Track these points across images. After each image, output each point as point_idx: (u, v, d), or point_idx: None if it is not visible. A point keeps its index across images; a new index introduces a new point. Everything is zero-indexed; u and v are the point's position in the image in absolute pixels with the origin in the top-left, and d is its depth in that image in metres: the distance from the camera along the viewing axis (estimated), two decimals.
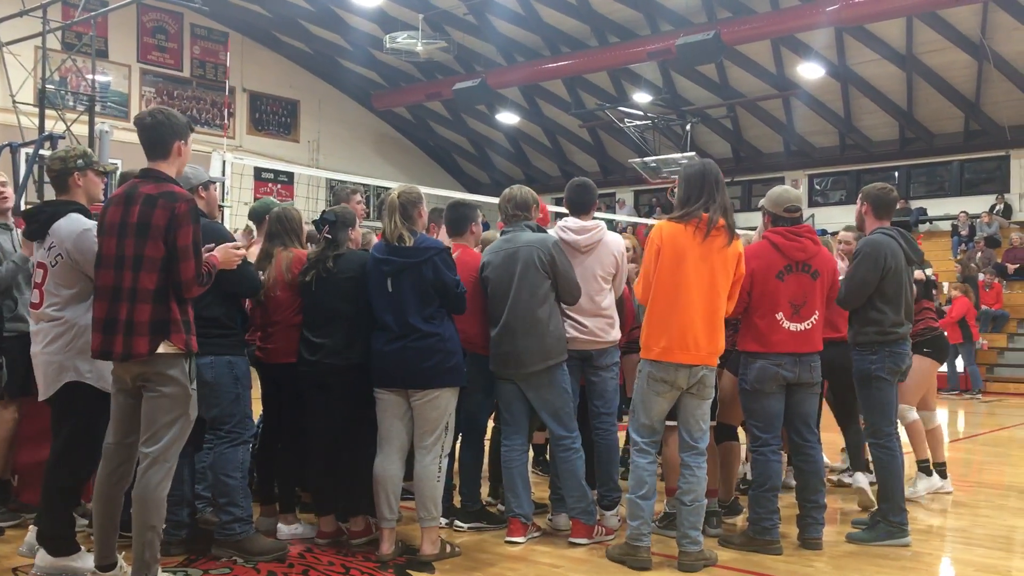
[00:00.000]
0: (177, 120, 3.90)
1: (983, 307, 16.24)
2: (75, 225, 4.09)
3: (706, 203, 4.45)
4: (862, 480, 5.73)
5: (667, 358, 4.42)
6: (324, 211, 4.86)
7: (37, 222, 4.25)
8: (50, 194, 4.75)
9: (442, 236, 5.58)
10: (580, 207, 5.19)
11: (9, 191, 5.19)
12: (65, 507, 4.11)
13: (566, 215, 5.25)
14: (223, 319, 4.45)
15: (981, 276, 16.77)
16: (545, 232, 5.07)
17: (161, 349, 3.68)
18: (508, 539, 4.90)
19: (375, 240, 5.02)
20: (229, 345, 4.47)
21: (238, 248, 4.17)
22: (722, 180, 4.57)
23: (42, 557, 4.08)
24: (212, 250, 4.04)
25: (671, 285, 4.44)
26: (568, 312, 5.04)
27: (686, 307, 4.40)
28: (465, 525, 5.21)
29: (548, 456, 5.67)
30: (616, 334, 5.15)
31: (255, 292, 4.67)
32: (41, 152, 9.58)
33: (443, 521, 4.96)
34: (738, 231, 4.61)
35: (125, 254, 3.71)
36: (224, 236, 4.45)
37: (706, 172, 4.53)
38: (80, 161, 4.28)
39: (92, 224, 4.11)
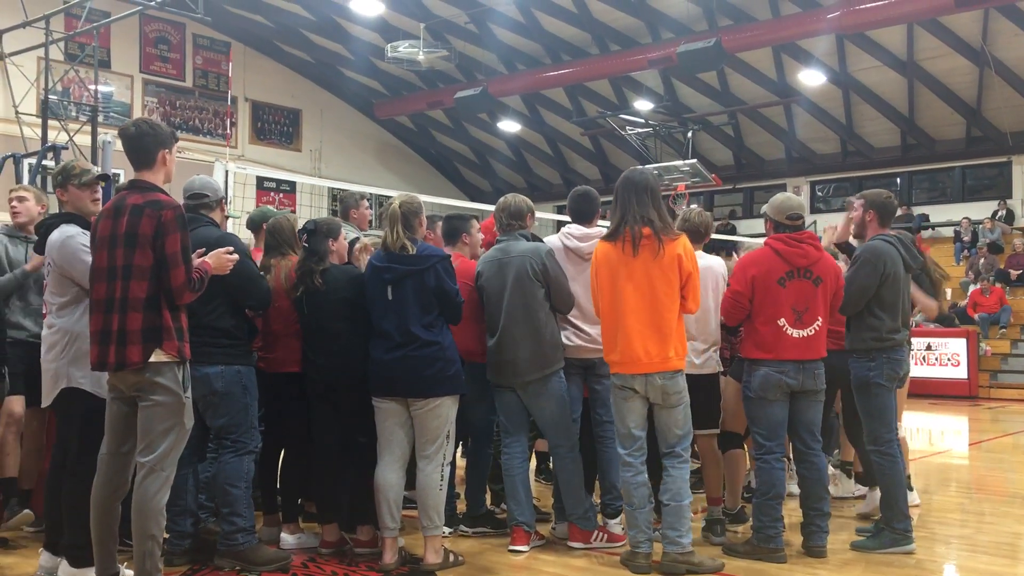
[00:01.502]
0: (161, 129, 3.94)
1: (980, 313, 16.21)
2: (61, 234, 4.20)
3: (624, 217, 4.50)
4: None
5: (622, 370, 4.51)
6: (307, 221, 4.87)
7: (40, 236, 4.39)
8: (54, 204, 4.85)
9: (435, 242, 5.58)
10: (583, 216, 5.21)
11: (24, 207, 5.20)
12: (86, 515, 4.05)
13: (568, 222, 5.26)
14: (233, 329, 4.49)
15: (977, 285, 16.77)
16: (540, 241, 5.09)
17: (154, 358, 3.70)
18: (511, 548, 4.90)
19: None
20: (238, 355, 4.50)
21: (231, 253, 4.18)
22: (646, 186, 4.55)
23: (64, 568, 4.07)
24: (203, 255, 4.07)
25: (611, 302, 4.54)
26: (571, 320, 5.04)
27: (627, 322, 4.47)
28: (470, 530, 5.22)
29: (551, 464, 5.67)
30: None
31: (266, 306, 4.69)
32: (44, 163, 9.61)
33: (447, 531, 4.96)
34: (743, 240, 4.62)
35: (116, 265, 3.74)
36: (240, 249, 4.51)
37: (623, 185, 4.58)
38: (59, 178, 4.42)
39: (77, 231, 4.22)
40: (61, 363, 4.10)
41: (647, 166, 19.28)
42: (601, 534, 4.97)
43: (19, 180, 9.64)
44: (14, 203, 5.19)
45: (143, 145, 3.88)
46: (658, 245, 4.44)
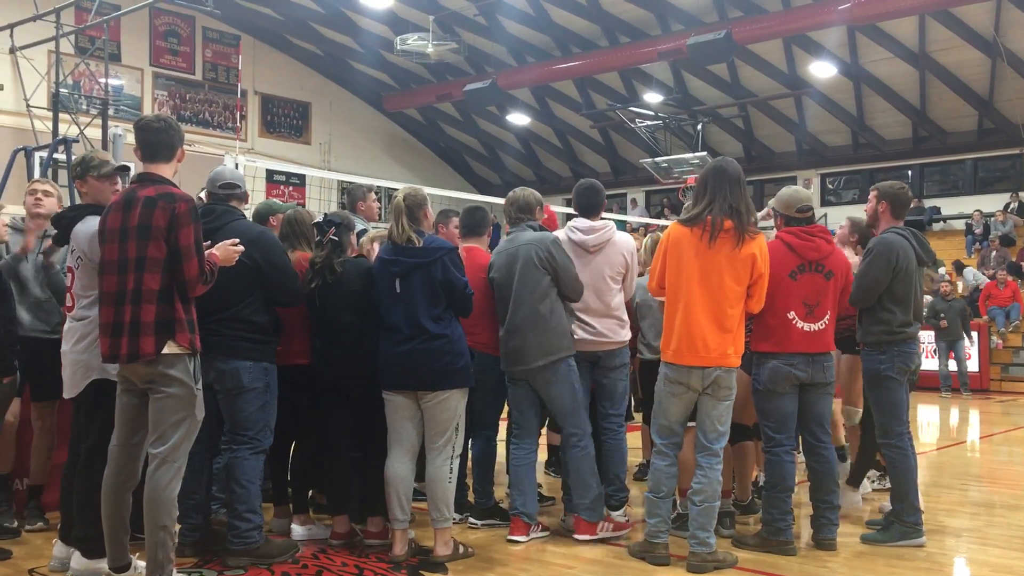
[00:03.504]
0: (179, 126, 4.05)
1: (992, 306, 16.11)
2: (90, 227, 4.12)
3: (710, 205, 4.42)
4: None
5: (679, 360, 4.43)
6: (327, 214, 4.85)
7: (60, 227, 4.33)
8: (64, 198, 4.81)
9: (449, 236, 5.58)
10: (588, 209, 5.20)
11: (48, 201, 5.04)
12: (98, 507, 4.02)
13: (575, 215, 5.26)
14: (267, 325, 4.50)
15: (988, 278, 16.67)
16: (545, 230, 5.09)
17: (166, 349, 3.72)
18: (510, 537, 4.92)
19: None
20: (267, 352, 4.51)
21: (236, 245, 4.18)
22: (738, 179, 4.48)
23: (77, 559, 4.09)
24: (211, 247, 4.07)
25: (677, 288, 4.46)
26: (576, 313, 5.04)
27: (691, 310, 4.40)
28: (479, 522, 5.24)
29: (561, 456, 5.67)
30: (626, 334, 5.15)
31: (296, 304, 4.69)
32: (55, 156, 9.64)
33: (457, 516, 4.97)
34: (762, 227, 4.59)
35: (128, 257, 3.75)
36: (279, 247, 4.54)
37: (715, 173, 4.49)
38: (78, 169, 4.36)
39: None
40: (94, 354, 4.04)
41: (658, 158, 19.32)
42: (607, 524, 4.98)
43: (31, 173, 9.66)
44: (39, 196, 5.05)
45: (168, 139, 3.93)
46: (737, 240, 4.39)
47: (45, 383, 4.93)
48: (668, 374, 4.50)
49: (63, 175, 9.73)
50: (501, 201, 5.53)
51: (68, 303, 4.26)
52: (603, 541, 4.92)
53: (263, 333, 4.48)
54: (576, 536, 4.93)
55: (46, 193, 5.10)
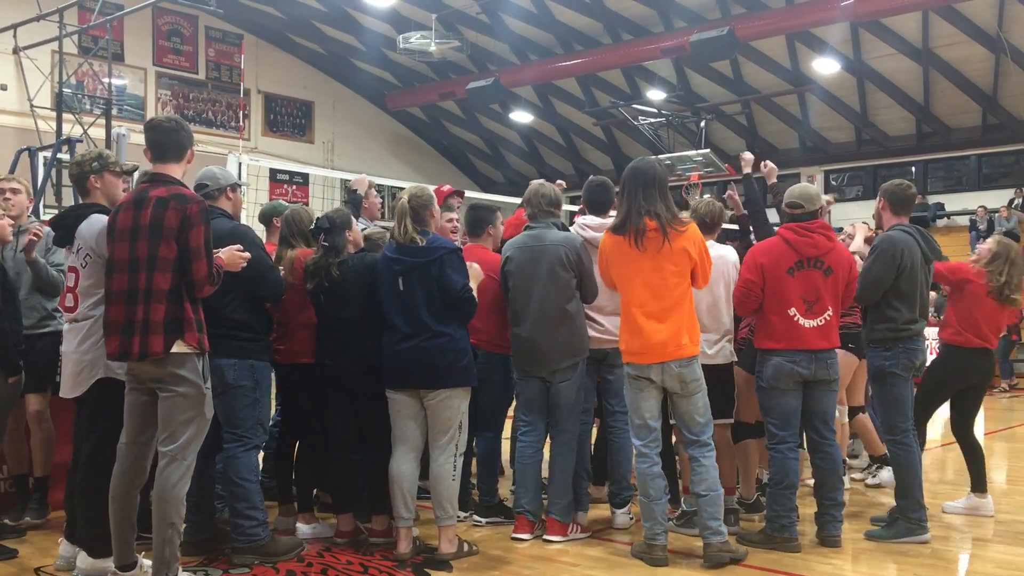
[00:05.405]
0: (189, 127, 4.09)
1: None
2: (96, 224, 4.13)
3: (630, 210, 4.47)
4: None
5: (638, 360, 4.48)
6: (318, 218, 4.86)
7: (63, 227, 4.32)
8: (68, 198, 4.81)
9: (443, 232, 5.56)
10: (598, 206, 5.19)
11: (18, 199, 5.10)
12: (102, 506, 4.03)
13: (580, 213, 5.26)
14: (250, 322, 4.48)
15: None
16: (569, 231, 5.09)
17: (175, 348, 3.74)
18: (514, 535, 4.93)
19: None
20: (254, 350, 4.49)
21: (242, 250, 4.19)
22: (653, 179, 4.49)
23: (83, 558, 4.10)
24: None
25: (623, 292, 4.53)
26: (586, 311, 5.04)
27: (638, 313, 4.46)
28: (483, 520, 5.24)
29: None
30: None
31: (278, 297, 4.68)
32: (59, 156, 9.66)
33: (462, 515, 4.97)
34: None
35: (139, 256, 3.77)
36: (252, 240, 4.50)
37: (630, 177, 4.54)
38: (95, 164, 4.33)
39: None
40: (100, 353, 4.04)
41: (660, 156, 19.27)
42: (575, 526, 4.96)
43: (35, 174, 9.68)
44: (7, 195, 5.07)
45: (178, 139, 3.97)
46: (663, 238, 4.41)
47: (31, 374, 4.92)
48: (630, 372, 4.54)
49: (67, 175, 9.75)
50: (504, 198, 5.52)
51: (70, 303, 4.25)
52: (607, 539, 4.93)
53: (247, 330, 4.45)
54: (546, 537, 4.88)
55: (13, 191, 5.12)
